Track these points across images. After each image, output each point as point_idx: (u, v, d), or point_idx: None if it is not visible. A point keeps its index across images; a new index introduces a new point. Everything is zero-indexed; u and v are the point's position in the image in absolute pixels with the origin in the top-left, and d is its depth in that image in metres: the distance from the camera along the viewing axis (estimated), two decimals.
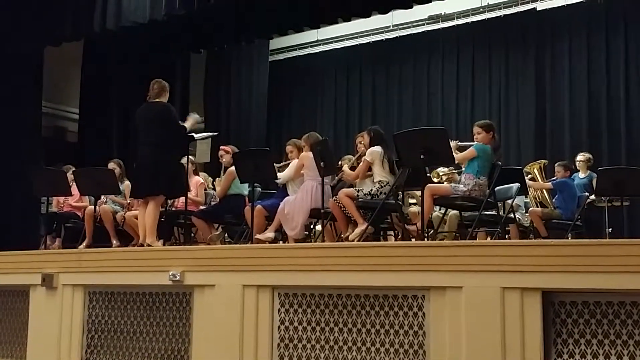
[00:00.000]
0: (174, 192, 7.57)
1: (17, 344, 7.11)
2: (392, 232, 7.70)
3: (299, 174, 7.32)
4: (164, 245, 7.59)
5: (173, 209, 8.48)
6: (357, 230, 6.62)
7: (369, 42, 13.32)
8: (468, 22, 12.33)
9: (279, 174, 7.47)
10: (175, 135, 7.26)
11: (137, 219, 7.55)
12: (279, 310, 5.57)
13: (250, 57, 13.73)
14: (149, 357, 6.19)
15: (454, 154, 6.50)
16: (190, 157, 8.19)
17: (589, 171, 9.22)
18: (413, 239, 7.12)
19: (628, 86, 10.90)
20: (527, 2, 11.78)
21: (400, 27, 12.89)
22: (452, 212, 7.50)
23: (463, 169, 6.90)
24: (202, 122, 7.70)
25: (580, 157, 9.41)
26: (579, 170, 9.37)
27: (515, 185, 7.18)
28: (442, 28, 12.59)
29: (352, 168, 7.31)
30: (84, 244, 8.40)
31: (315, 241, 7.63)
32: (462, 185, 6.61)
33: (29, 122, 10.97)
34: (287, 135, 11.31)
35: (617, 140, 10.85)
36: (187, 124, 7.45)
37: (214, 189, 9.05)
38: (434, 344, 4.91)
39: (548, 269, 4.59)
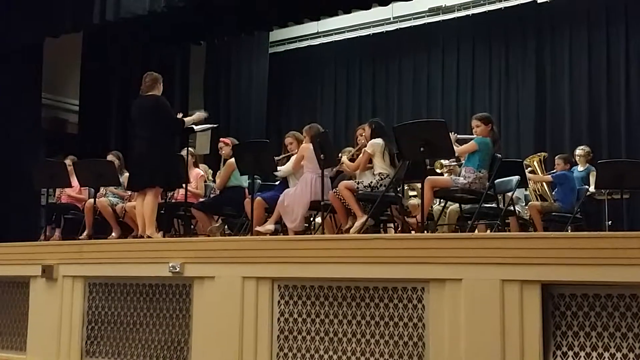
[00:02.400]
0: (170, 184, 7.57)
1: (17, 336, 7.12)
2: (391, 225, 7.71)
3: (299, 165, 7.31)
4: (163, 236, 7.60)
5: (173, 200, 8.49)
6: (357, 223, 6.62)
7: (369, 34, 13.29)
8: (468, 15, 12.31)
9: (279, 168, 7.47)
10: (168, 128, 7.26)
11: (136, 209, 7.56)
12: (278, 302, 5.57)
13: (250, 49, 13.71)
14: (149, 349, 6.20)
15: (455, 147, 6.49)
16: (190, 149, 8.19)
17: (587, 164, 9.22)
18: (413, 232, 7.12)
19: (628, 79, 10.90)
20: None
21: (400, 19, 12.86)
22: (452, 206, 7.50)
23: (463, 162, 6.89)
24: (206, 118, 7.72)
25: (579, 151, 9.39)
26: (578, 164, 9.37)
27: (515, 178, 7.18)
28: (443, 20, 12.57)
29: (352, 160, 7.31)
30: (85, 234, 8.43)
31: (315, 233, 7.63)
32: (462, 178, 6.61)
33: (29, 113, 10.98)
34: (286, 127, 11.30)
35: (617, 133, 10.85)
36: (189, 118, 7.46)
37: (214, 181, 9.05)
38: (434, 336, 4.92)
39: (547, 261, 4.59)
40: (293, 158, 7.49)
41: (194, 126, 7.76)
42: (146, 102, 7.27)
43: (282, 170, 7.53)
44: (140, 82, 7.40)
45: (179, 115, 7.49)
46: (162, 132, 7.18)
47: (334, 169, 7.56)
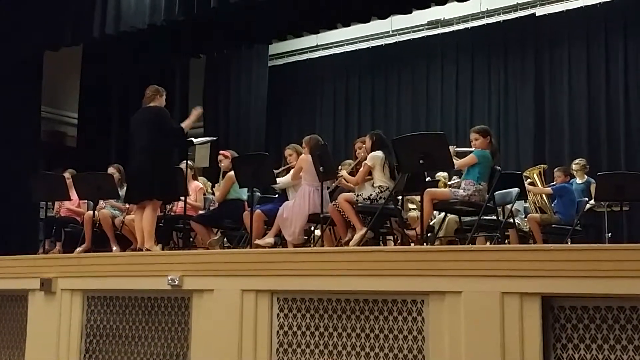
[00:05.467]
0: (169, 197, 7.53)
1: (15, 349, 7.09)
2: (391, 237, 7.69)
3: (298, 176, 7.30)
4: (162, 249, 7.58)
5: (172, 213, 8.47)
6: (357, 235, 6.61)
7: (368, 47, 13.33)
8: (467, 28, 12.35)
9: (278, 180, 7.46)
10: (168, 139, 7.23)
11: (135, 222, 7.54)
12: (277, 315, 5.56)
13: (250, 62, 13.74)
14: None
15: (454, 160, 6.49)
16: (189, 162, 8.18)
17: (586, 177, 9.20)
18: (412, 244, 7.11)
19: (627, 91, 10.91)
20: (527, 8, 11.80)
21: (399, 32, 12.90)
22: (450, 217, 7.49)
23: (461, 176, 6.88)
24: (201, 117, 7.61)
25: (574, 165, 9.31)
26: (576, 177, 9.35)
27: (514, 190, 7.17)
28: (442, 33, 12.60)
29: (351, 174, 7.30)
30: (82, 248, 8.40)
31: (315, 246, 7.61)
32: (461, 190, 6.60)
33: (28, 126, 10.99)
34: (286, 140, 11.31)
35: (616, 145, 10.85)
36: (187, 122, 7.39)
37: (213, 193, 9.04)
38: (433, 348, 4.90)
39: (547, 273, 4.58)
40: (291, 170, 7.49)
41: (193, 139, 7.76)
42: (146, 113, 7.25)
43: (281, 181, 7.52)
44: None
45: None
46: (161, 143, 7.14)
47: (333, 184, 7.55)
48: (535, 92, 11.71)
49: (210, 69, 13.61)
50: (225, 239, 8.53)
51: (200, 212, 8.46)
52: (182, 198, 7.68)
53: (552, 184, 8.86)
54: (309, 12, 10.33)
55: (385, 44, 13.15)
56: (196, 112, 7.52)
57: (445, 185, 8.45)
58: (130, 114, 8.50)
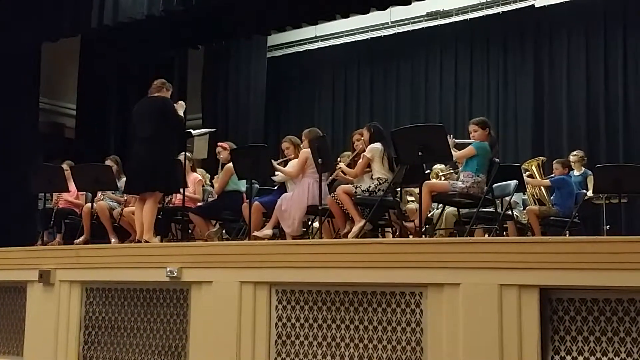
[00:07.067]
0: (171, 188, 7.50)
1: (14, 341, 7.10)
2: (389, 229, 7.69)
3: (304, 169, 7.25)
4: (161, 241, 7.58)
5: (170, 205, 8.47)
6: (355, 227, 6.61)
7: (367, 38, 13.30)
8: (466, 19, 12.32)
9: (280, 172, 7.44)
10: (171, 129, 7.20)
11: (134, 214, 7.53)
12: (276, 307, 5.56)
13: (248, 54, 13.70)
14: (146, 354, 6.18)
15: (453, 152, 6.49)
16: (187, 153, 8.17)
17: (583, 169, 9.21)
18: (411, 236, 7.11)
19: (626, 83, 10.90)
20: None
21: (398, 23, 12.87)
22: (449, 210, 7.49)
23: (460, 167, 6.88)
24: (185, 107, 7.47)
25: (572, 157, 9.30)
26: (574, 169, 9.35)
27: (513, 182, 7.17)
28: (441, 25, 12.58)
29: (349, 166, 7.29)
30: (81, 240, 8.40)
31: (313, 238, 7.62)
32: (460, 183, 6.60)
33: (26, 118, 10.97)
34: (284, 132, 11.27)
35: (615, 137, 10.85)
36: (180, 113, 7.34)
37: (212, 185, 9.04)
38: (432, 340, 4.91)
39: (546, 266, 4.58)
40: (294, 162, 7.45)
41: (191, 130, 7.74)
42: (152, 102, 7.19)
43: (285, 171, 7.44)
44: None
45: None
46: (165, 134, 7.08)
47: (331, 176, 7.54)
48: (535, 84, 11.71)
49: (208, 60, 13.57)
50: (223, 231, 8.53)
51: (199, 203, 8.46)
52: (181, 190, 7.67)
53: (550, 176, 8.87)
54: (308, 3, 10.30)
55: (384, 36, 13.12)
56: (179, 106, 7.42)
57: (438, 177, 8.44)
58: (128, 105, 8.50)
